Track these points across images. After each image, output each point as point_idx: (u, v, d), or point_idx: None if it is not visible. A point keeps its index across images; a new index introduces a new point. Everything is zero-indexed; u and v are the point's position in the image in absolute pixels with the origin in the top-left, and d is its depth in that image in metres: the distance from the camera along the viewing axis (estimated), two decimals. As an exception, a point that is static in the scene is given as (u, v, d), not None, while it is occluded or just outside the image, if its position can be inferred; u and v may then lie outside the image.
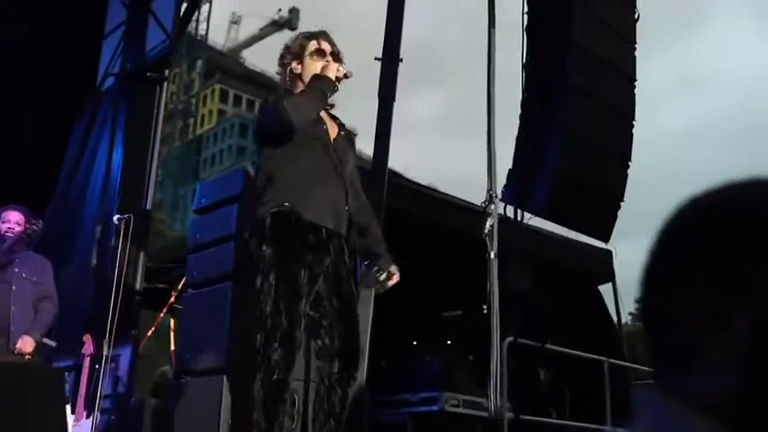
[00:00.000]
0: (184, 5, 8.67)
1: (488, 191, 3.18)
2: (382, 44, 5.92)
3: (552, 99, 5.67)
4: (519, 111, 6.02)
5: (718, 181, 0.76)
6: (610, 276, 8.76)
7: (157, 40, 8.64)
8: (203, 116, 71.26)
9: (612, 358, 7.27)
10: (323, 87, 3.15)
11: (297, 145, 3.09)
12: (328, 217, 3.07)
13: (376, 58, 5.92)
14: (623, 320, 9.61)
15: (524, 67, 5.62)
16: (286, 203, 3.00)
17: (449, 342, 7.69)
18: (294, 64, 3.28)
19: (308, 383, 5.17)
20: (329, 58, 3.24)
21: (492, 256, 3.16)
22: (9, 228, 5.05)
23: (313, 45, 3.28)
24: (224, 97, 72.20)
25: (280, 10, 71.57)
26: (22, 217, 5.14)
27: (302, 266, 2.94)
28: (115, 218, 6.16)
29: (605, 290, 8.91)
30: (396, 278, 3.27)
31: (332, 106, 3.36)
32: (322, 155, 3.13)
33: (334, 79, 3.18)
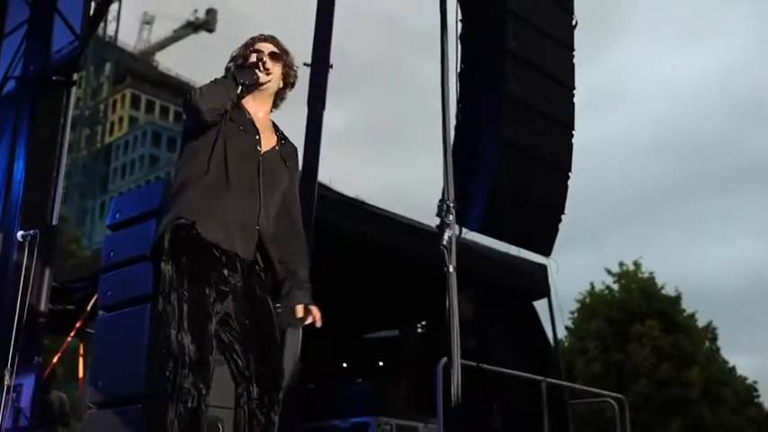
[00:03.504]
0: (94, 4, 8.38)
1: (445, 200, 3.12)
2: (311, 49, 5.88)
3: (487, 108, 5.70)
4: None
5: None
6: (545, 291, 8.90)
7: (64, 41, 8.33)
8: (113, 123, 69.61)
9: (549, 377, 7.36)
10: (236, 74, 3.03)
11: (214, 155, 2.95)
12: (234, 239, 2.92)
13: (305, 64, 5.87)
14: (559, 336, 9.77)
15: (459, 76, 5.64)
16: (186, 218, 2.88)
17: (380, 363, 7.66)
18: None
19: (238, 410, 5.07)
20: (264, 58, 3.13)
21: (451, 269, 3.09)
22: None
23: (249, 48, 3.18)
24: (135, 103, 70.71)
25: (196, 11, 70.76)
26: None
27: (207, 285, 2.83)
28: (19, 234, 5.89)
29: (540, 305, 9.05)
30: (312, 318, 3.08)
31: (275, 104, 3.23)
32: (243, 167, 2.97)
33: (251, 68, 3.06)
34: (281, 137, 3.19)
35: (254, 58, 3.09)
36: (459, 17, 5.89)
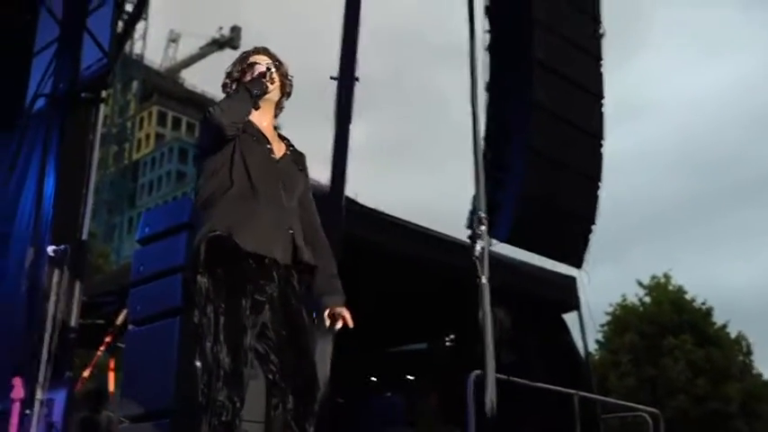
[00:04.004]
0: (121, 22, 8.49)
1: (477, 210, 3.11)
2: (338, 63, 5.90)
3: (515, 118, 5.67)
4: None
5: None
6: (575, 304, 8.80)
7: (93, 59, 8.45)
8: (140, 140, 70.37)
9: (581, 390, 7.28)
10: (248, 86, 3.10)
11: (235, 168, 3.00)
12: (271, 245, 2.95)
13: (331, 78, 5.88)
14: (589, 350, 9.66)
15: (487, 86, 5.63)
16: (221, 230, 2.90)
17: (409, 377, 7.61)
18: (234, 87, 3.24)
19: (269, 425, 5.06)
20: (272, 68, 3.21)
21: (483, 280, 3.07)
22: None
23: (246, 62, 3.26)
24: (162, 120, 71.48)
25: (221, 28, 71.53)
26: None
27: (243, 296, 2.84)
28: (50, 249, 5.95)
29: (569, 318, 8.95)
30: (342, 322, 3.11)
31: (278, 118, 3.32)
32: (264, 176, 3.03)
33: (260, 79, 3.13)
34: (289, 144, 3.26)
35: (262, 68, 3.15)
36: (486, 27, 5.88)
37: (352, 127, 5.66)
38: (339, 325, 3.11)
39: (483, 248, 3.22)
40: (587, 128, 6.64)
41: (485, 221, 3.21)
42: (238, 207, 2.94)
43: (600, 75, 6.79)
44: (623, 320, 23.29)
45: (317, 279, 3.10)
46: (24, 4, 9.20)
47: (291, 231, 3.02)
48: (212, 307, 2.80)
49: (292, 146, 3.26)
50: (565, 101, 6.34)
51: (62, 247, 5.80)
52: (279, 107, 3.28)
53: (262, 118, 3.17)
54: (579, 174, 6.56)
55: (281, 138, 3.25)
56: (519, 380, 6.28)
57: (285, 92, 3.28)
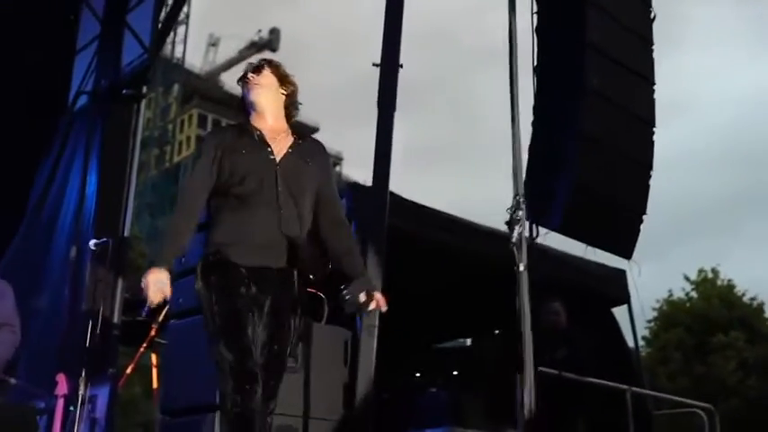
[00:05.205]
0: (162, 15, 8.46)
1: (515, 195, 2.94)
2: (381, 49, 5.77)
3: (567, 104, 5.47)
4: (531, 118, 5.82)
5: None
6: (625, 298, 8.55)
7: (134, 54, 8.45)
8: (181, 143, 71.09)
9: (632, 386, 7.05)
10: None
11: (232, 188, 3.13)
12: (265, 253, 3.09)
13: (374, 64, 5.76)
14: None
15: (535, 70, 5.42)
16: (215, 251, 3.11)
17: (454, 373, 7.44)
18: None
19: (306, 418, 4.95)
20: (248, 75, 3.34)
21: (521, 268, 2.91)
22: None
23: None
24: (202, 122, 72.05)
25: (260, 31, 71.85)
26: None
27: (237, 298, 3.02)
28: (92, 243, 5.90)
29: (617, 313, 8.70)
30: (375, 302, 3.16)
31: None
32: (260, 183, 3.12)
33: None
34: (299, 137, 3.27)
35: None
36: (535, 9, 5.67)
37: (396, 115, 5.51)
38: (373, 306, 3.16)
39: (521, 234, 3.06)
40: (639, 114, 6.40)
41: (523, 206, 3.04)
42: (233, 224, 3.10)
43: (651, 59, 6.54)
44: (670, 316, 22.75)
45: (344, 271, 3.18)
46: (66, 3, 9.24)
47: (283, 234, 3.07)
48: (210, 312, 3.03)
49: (303, 138, 3.28)
50: (617, 85, 6.11)
51: (104, 240, 5.73)
52: (290, 103, 3.32)
53: (265, 120, 3.26)
54: (631, 161, 6.32)
55: (293, 132, 3.28)
56: (570, 375, 6.07)
57: (283, 91, 3.31)
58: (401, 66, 5.79)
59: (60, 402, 5.43)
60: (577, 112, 5.65)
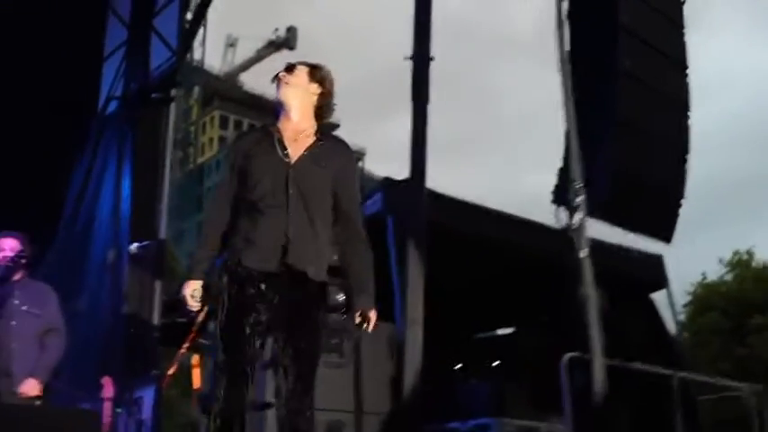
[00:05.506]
0: (189, 16, 8.49)
1: (573, 181, 2.90)
2: (412, 42, 5.77)
3: (601, 88, 5.41)
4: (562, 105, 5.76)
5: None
6: (663, 283, 8.48)
7: (162, 58, 8.50)
8: (203, 144, 71.47)
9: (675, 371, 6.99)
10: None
11: (248, 193, 3.18)
12: (269, 257, 3.11)
13: (405, 58, 5.76)
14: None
15: (568, 56, 5.36)
16: (231, 254, 3.16)
17: (496, 363, 7.42)
18: None
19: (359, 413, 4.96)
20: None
21: (582, 254, 2.87)
22: (4, 256, 4.79)
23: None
24: (224, 123, 72.40)
25: (276, 30, 71.87)
26: (17, 243, 4.87)
27: (241, 303, 3.07)
28: (133, 246, 5.93)
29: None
30: (370, 325, 3.15)
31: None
32: (271, 187, 3.14)
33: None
34: (320, 138, 3.24)
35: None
36: (566, -5, 5.61)
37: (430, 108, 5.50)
38: (368, 328, 3.16)
39: (581, 220, 3.01)
40: (675, 97, 6.33)
41: (582, 192, 2.99)
42: (245, 229, 3.15)
43: (683, 42, 6.46)
44: (705, 299, 22.47)
45: (350, 278, 3.21)
46: (92, 10, 9.28)
47: (287, 239, 3.09)
48: (216, 322, 3.10)
49: (324, 138, 3.25)
50: (651, 68, 6.04)
51: (145, 243, 5.76)
52: (323, 104, 3.29)
53: (287, 121, 3.25)
54: (668, 145, 6.25)
55: (317, 133, 3.26)
56: (615, 362, 6.02)
57: (326, 89, 3.29)
58: (432, 58, 5.77)
59: (107, 405, 5.46)
60: (613, 96, 5.60)
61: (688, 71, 6.44)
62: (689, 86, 6.41)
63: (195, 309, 3.16)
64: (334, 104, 3.34)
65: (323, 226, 3.16)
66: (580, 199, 2.93)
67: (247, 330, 3.03)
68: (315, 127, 3.26)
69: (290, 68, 3.32)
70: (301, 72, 3.30)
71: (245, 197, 3.18)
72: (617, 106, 5.62)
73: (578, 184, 2.89)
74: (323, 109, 3.29)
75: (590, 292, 2.81)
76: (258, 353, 3.05)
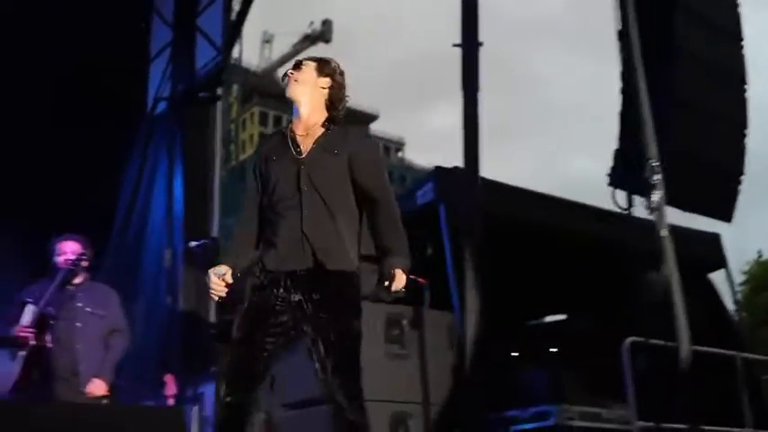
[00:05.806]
0: (233, 15, 8.53)
1: (649, 160, 2.86)
2: (461, 29, 5.72)
3: (658, 66, 5.30)
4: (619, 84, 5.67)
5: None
6: (722, 262, 8.31)
7: (208, 57, 8.58)
8: (244, 141, 72.05)
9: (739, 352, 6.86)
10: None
11: (265, 196, 3.23)
12: (287, 258, 3.11)
13: (454, 45, 5.72)
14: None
15: (621, 34, 5.27)
16: (257, 259, 3.19)
17: (553, 349, 7.34)
18: None
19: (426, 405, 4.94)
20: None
21: (664, 233, 2.83)
22: (66, 259, 4.88)
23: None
24: (263, 120, 72.90)
25: (312, 23, 72.13)
26: (78, 246, 4.95)
27: (255, 308, 3.10)
28: (192, 244, 6.01)
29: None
30: (397, 282, 3.10)
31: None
32: (285, 186, 3.15)
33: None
34: (328, 128, 3.24)
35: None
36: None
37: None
38: (396, 286, 3.11)
39: (660, 199, 2.96)
40: (731, 71, 6.18)
41: (659, 170, 2.94)
42: (266, 233, 3.18)
43: (737, 13, 6.30)
44: (761, 278, 22.02)
45: (378, 242, 3.18)
46: (136, 14, 9.39)
47: (304, 235, 3.08)
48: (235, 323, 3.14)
49: (331, 128, 3.25)
50: (707, 42, 5.91)
51: (202, 241, 5.82)
52: (336, 99, 3.27)
53: (298, 118, 3.26)
54: (727, 122, 6.11)
55: (324, 124, 3.25)
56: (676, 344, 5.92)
57: (323, 85, 3.27)
58: (481, 44, 5.72)
59: (171, 402, 5.52)
60: (669, 75, 5.49)
61: (743, 43, 6.30)
62: (744, 58, 6.26)
63: (218, 292, 3.13)
64: (347, 96, 3.33)
65: (348, 221, 3.15)
66: (657, 177, 2.87)
67: (261, 334, 3.05)
68: (324, 121, 3.26)
69: (297, 66, 3.33)
70: (309, 68, 3.30)
71: (267, 202, 3.20)
72: (677, 86, 5.52)
73: (654, 162, 2.83)
74: (334, 102, 3.28)
75: (673, 272, 2.76)
76: (275, 355, 3.06)
